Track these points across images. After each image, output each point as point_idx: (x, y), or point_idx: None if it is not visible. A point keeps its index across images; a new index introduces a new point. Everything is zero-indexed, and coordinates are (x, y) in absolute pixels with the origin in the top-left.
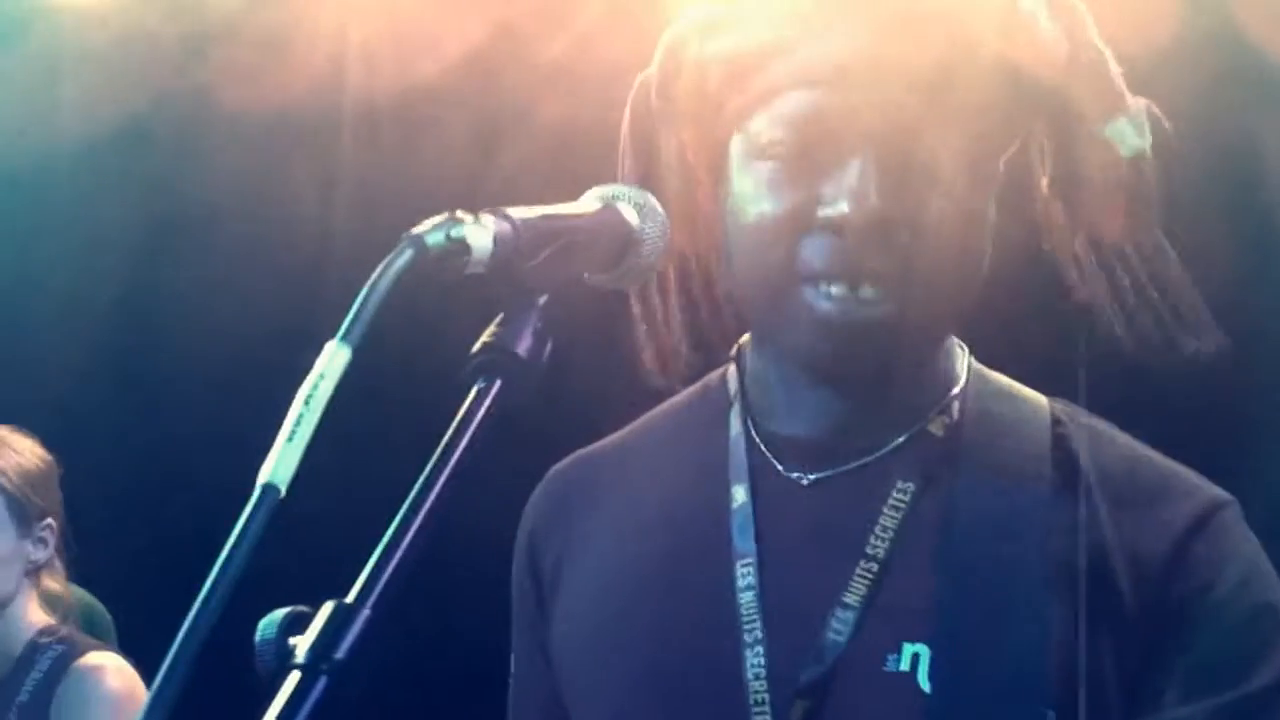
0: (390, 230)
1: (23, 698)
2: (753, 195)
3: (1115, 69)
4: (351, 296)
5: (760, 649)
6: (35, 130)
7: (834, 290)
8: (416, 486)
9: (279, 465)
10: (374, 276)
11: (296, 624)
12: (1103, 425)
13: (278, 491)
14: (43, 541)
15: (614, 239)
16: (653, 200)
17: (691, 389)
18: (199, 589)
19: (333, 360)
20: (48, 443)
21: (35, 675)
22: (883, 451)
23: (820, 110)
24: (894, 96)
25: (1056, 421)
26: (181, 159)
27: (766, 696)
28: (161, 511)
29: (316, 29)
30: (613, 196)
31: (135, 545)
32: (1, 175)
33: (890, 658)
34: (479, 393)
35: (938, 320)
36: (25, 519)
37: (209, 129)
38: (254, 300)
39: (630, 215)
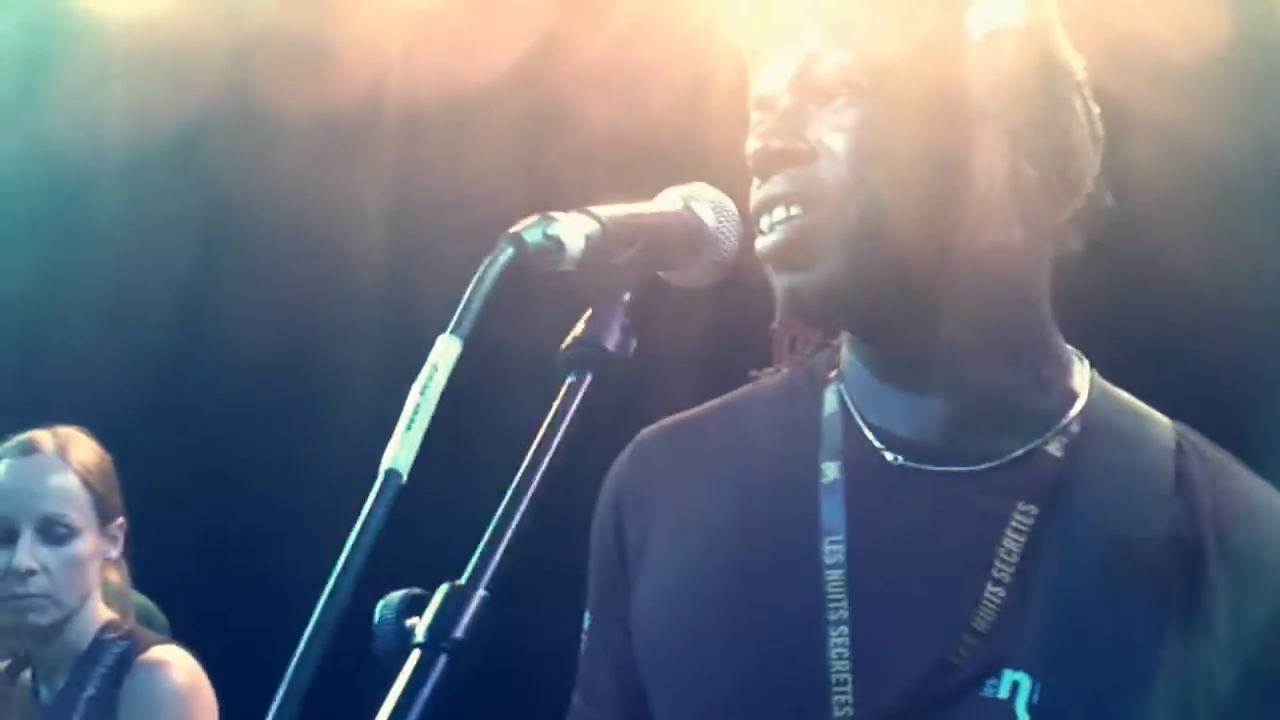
0: (436, 232)
1: (89, 692)
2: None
3: None
4: (401, 296)
5: (845, 629)
6: (82, 137)
7: (760, 226)
8: (519, 474)
9: (400, 452)
10: (478, 272)
11: (413, 606)
12: (1222, 454)
13: (400, 477)
14: (114, 540)
15: (691, 238)
16: (727, 201)
17: (791, 370)
18: (248, 590)
19: (445, 352)
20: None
21: (100, 670)
22: (996, 463)
23: (767, 73)
24: (801, 31)
25: (1180, 451)
26: (229, 163)
27: (849, 678)
28: (210, 511)
29: (360, 34)
30: (689, 196)
31: (183, 546)
32: (50, 182)
33: (989, 683)
34: (571, 386)
35: (870, 239)
36: (105, 516)
37: (256, 134)
38: (301, 301)
39: (706, 215)
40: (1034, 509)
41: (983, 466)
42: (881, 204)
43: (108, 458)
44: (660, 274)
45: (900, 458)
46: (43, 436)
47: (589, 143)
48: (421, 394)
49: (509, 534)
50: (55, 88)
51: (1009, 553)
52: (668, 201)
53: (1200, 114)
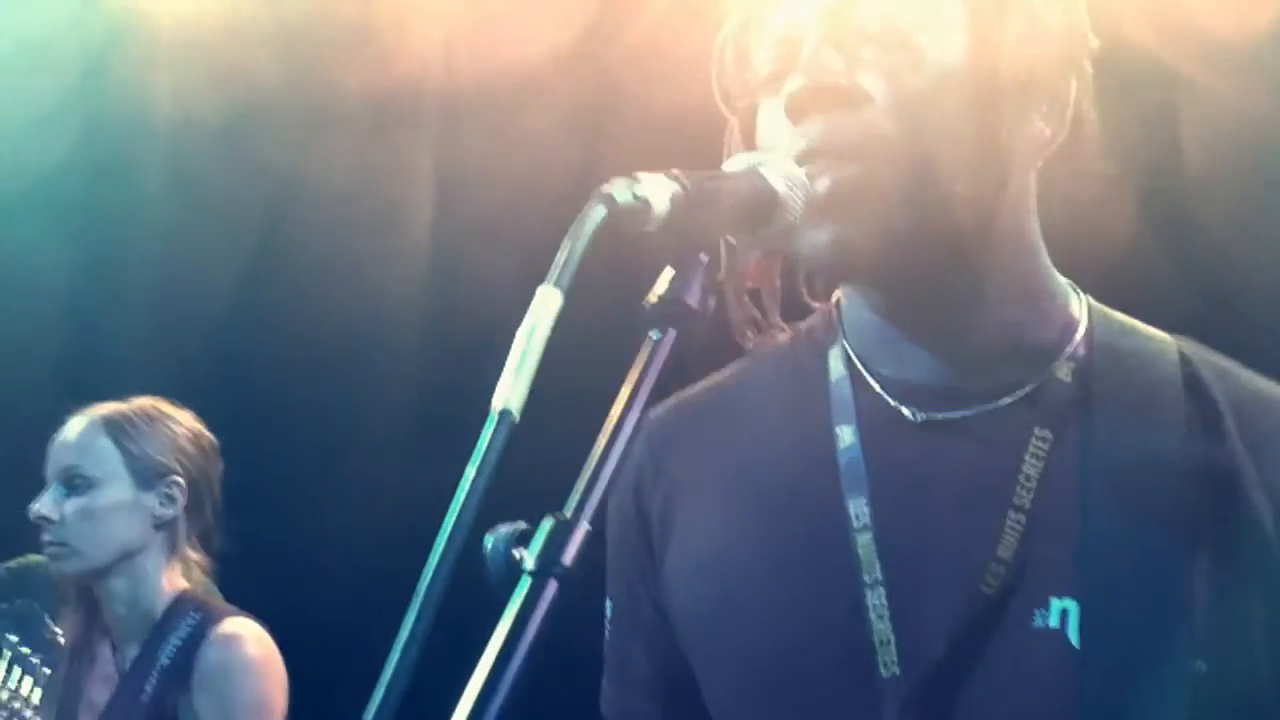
0: (484, 213)
1: (164, 661)
2: (769, 128)
3: None
4: (453, 280)
5: (882, 590)
6: (131, 125)
7: (800, 167)
8: (612, 422)
9: (512, 393)
10: (572, 229)
11: (520, 539)
12: (1229, 362)
13: (512, 417)
14: (169, 498)
15: (763, 203)
16: (796, 168)
17: (795, 330)
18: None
19: (546, 301)
20: None
21: (175, 641)
22: (1010, 399)
23: (786, 16)
24: None
25: (1185, 360)
26: (278, 148)
27: (891, 637)
28: (260, 497)
29: (406, 18)
30: (759, 162)
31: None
32: (100, 169)
33: (1038, 613)
34: (656, 342)
35: (922, 192)
36: (145, 473)
37: (304, 119)
38: (350, 284)
39: (777, 181)
40: (1049, 434)
41: (1000, 403)
42: (934, 156)
43: (184, 425)
44: (730, 239)
45: (917, 411)
46: (109, 404)
47: (636, 125)
48: (528, 339)
49: (607, 473)
50: (104, 75)
51: (1028, 478)
52: (738, 166)
53: (1252, 90)
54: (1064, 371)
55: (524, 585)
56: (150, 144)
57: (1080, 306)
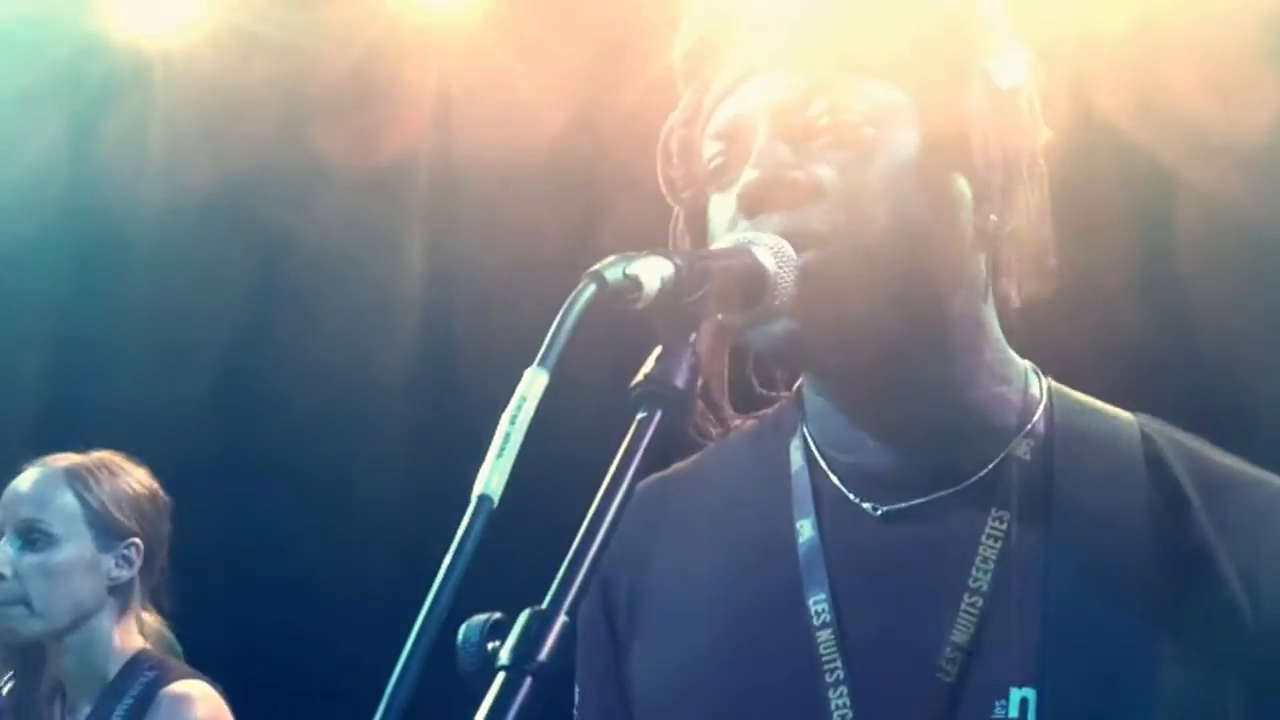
0: (477, 276)
1: None
2: (719, 221)
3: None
4: (459, 342)
5: (844, 689)
6: (125, 178)
7: (788, 244)
8: (595, 504)
9: (491, 477)
10: (563, 308)
11: (495, 630)
12: (1192, 439)
13: (491, 502)
14: (126, 560)
15: (753, 283)
16: (786, 245)
17: (760, 419)
18: (276, 619)
19: (533, 383)
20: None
21: (127, 700)
22: (968, 482)
23: (734, 109)
24: (790, 65)
25: (1146, 438)
26: (274, 205)
27: None
28: (252, 555)
29: (403, 81)
30: (749, 241)
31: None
32: (94, 222)
33: (998, 704)
34: (641, 421)
35: (867, 274)
36: (106, 533)
37: (299, 178)
38: (343, 341)
39: (767, 259)
40: (1006, 514)
41: (957, 488)
42: (889, 246)
43: (145, 485)
44: (720, 317)
45: (875, 505)
46: (65, 455)
47: (631, 195)
48: (511, 423)
49: (588, 561)
50: (99, 124)
51: (985, 560)
52: (729, 244)
53: (1246, 189)
54: (1023, 449)
55: (498, 680)
56: (139, 208)
57: (1040, 386)
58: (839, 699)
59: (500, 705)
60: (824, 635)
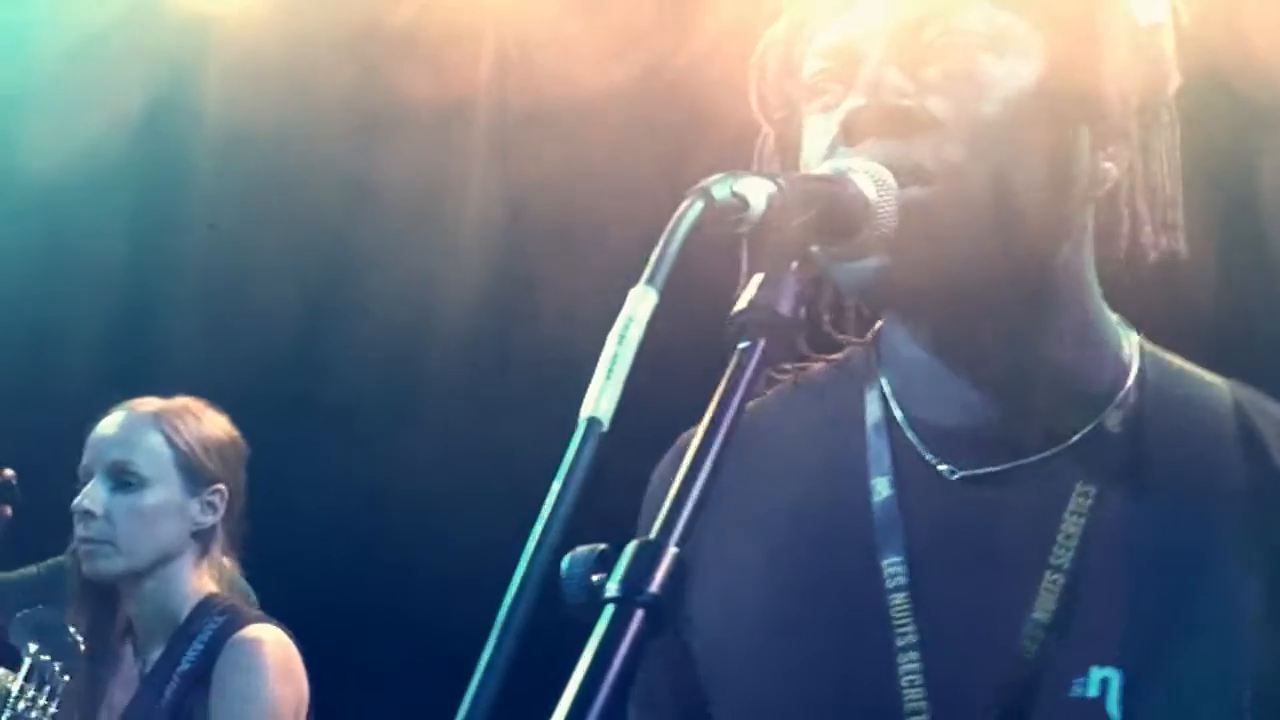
0: (551, 219)
1: (184, 666)
2: (816, 146)
3: None
4: (518, 287)
5: (914, 654)
6: (186, 125)
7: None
8: (700, 435)
9: (600, 400)
10: (669, 225)
11: (601, 561)
12: None
13: (601, 425)
14: (210, 506)
15: (855, 210)
16: (887, 174)
17: (830, 364)
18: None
19: (641, 302)
20: None
21: (198, 645)
22: (1053, 451)
23: (844, 28)
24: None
25: (1239, 408)
26: (333, 155)
27: (924, 705)
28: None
29: (480, 30)
30: (846, 168)
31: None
32: (148, 174)
33: (1077, 682)
34: (744, 351)
35: (976, 217)
36: (193, 477)
37: (362, 124)
38: (416, 293)
39: (867, 187)
40: (1092, 489)
41: (1041, 455)
42: (1003, 186)
43: (227, 431)
44: (815, 249)
45: (954, 469)
46: (150, 399)
47: (700, 133)
48: (619, 343)
49: (696, 492)
50: (152, 82)
51: (1067, 537)
52: (827, 170)
53: None
54: (1113, 421)
55: (606, 614)
56: (206, 146)
57: (1132, 347)
58: (909, 663)
59: (610, 639)
60: (898, 599)
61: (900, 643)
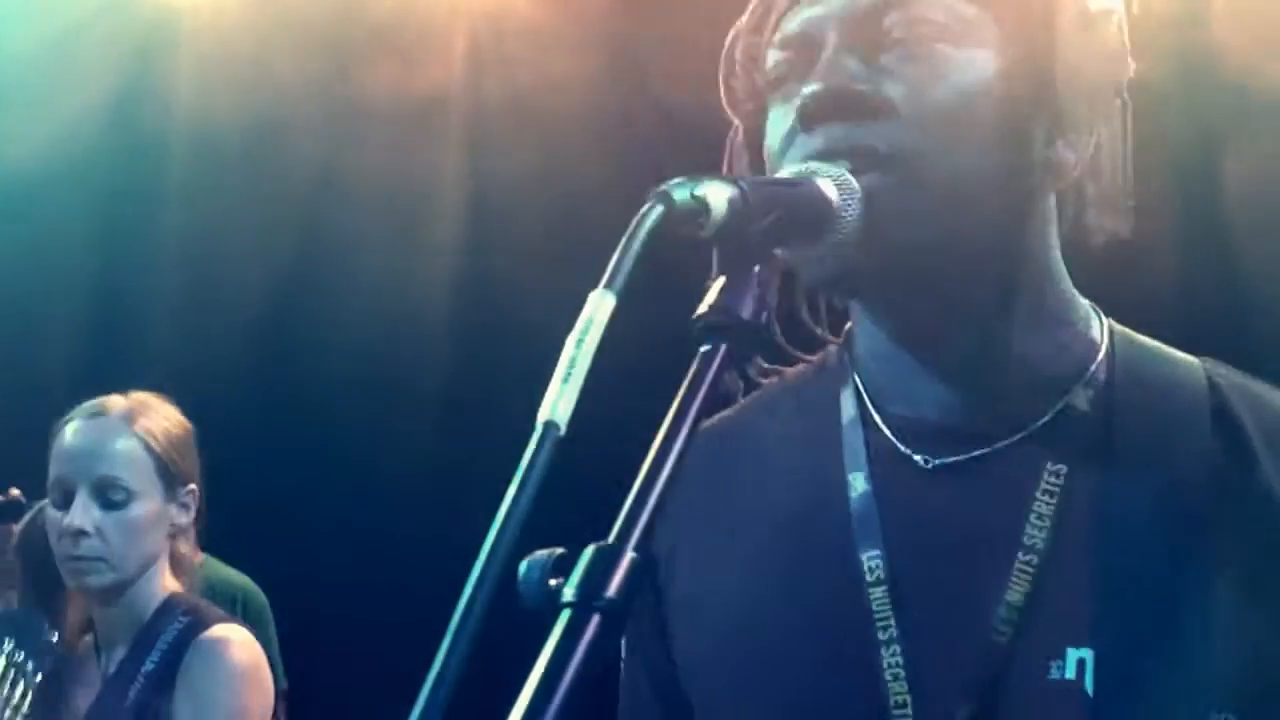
0: (517, 219)
1: (149, 666)
2: (779, 135)
3: None
4: (483, 284)
5: (897, 648)
6: (158, 120)
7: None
8: (660, 438)
9: (557, 403)
10: (629, 229)
11: (558, 566)
12: (1261, 385)
13: (558, 429)
14: (185, 507)
15: (817, 214)
16: (850, 177)
17: (808, 365)
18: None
19: (599, 306)
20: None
21: (162, 645)
22: (1023, 434)
23: (804, 17)
24: None
25: (1212, 385)
26: (305, 150)
27: (908, 699)
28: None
29: (450, 22)
30: (810, 171)
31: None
32: (126, 166)
33: (1055, 664)
34: (705, 354)
35: (930, 203)
36: (171, 482)
37: (339, 122)
38: (384, 291)
39: (829, 189)
40: (1063, 468)
41: (1012, 439)
42: (960, 171)
43: (184, 425)
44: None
45: (929, 458)
46: (113, 400)
47: (665, 129)
48: (577, 346)
49: (654, 497)
50: (134, 68)
51: (1040, 517)
52: (791, 174)
53: None
54: (1081, 400)
55: (563, 618)
56: (177, 143)
57: (1102, 329)
58: (891, 656)
59: (566, 644)
60: (877, 592)
61: (882, 636)
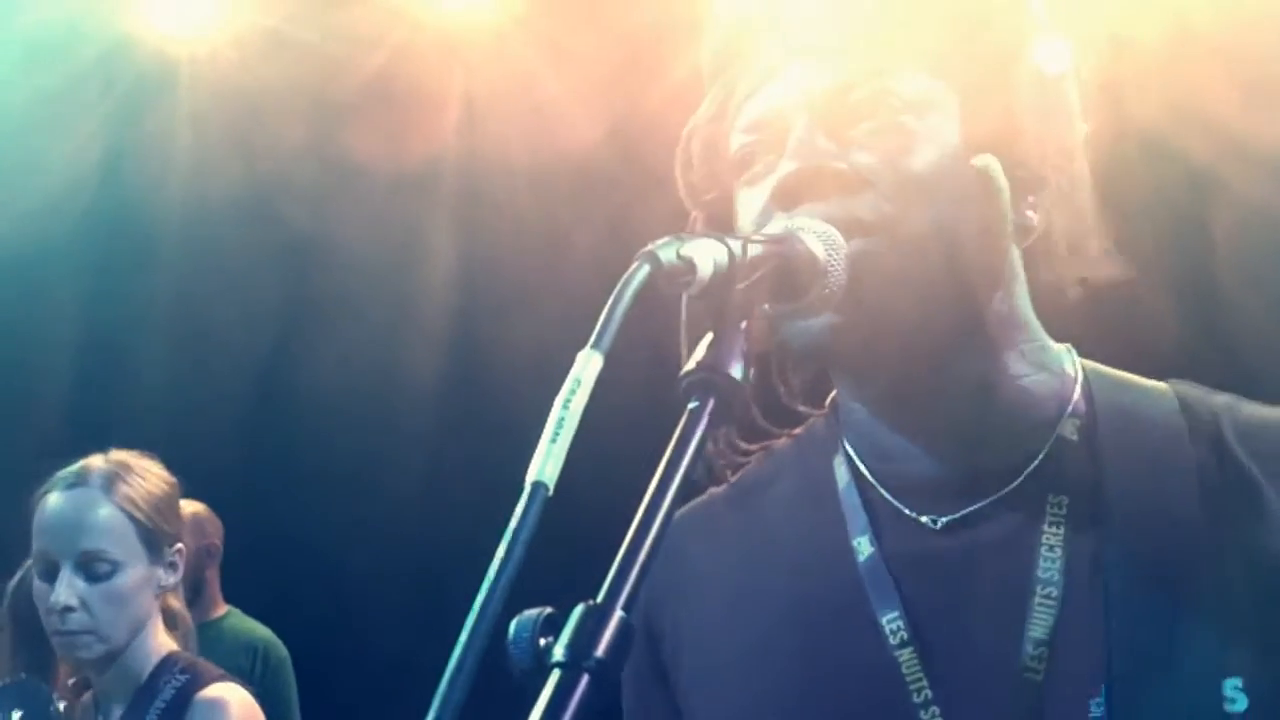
0: (520, 284)
1: None
2: (748, 217)
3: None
4: (485, 343)
5: (936, 709)
6: (149, 186)
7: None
8: (648, 496)
9: (546, 464)
10: (616, 289)
11: (548, 625)
12: (1227, 396)
13: (546, 489)
14: (173, 566)
15: (804, 270)
16: (834, 232)
17: (793, 438)
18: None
19: (587, 366)
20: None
21: (159, 703)
22: (1022, 476)
23: (768, 100)
24: (827, 56)
25: (1184, 405)
26: (306, 210)
27: None
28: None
29: (441, 87)
30: (796, 227)
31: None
32: (123, 222)
33: (1094, 702)
34: (693, 411)
35: (914, 261)
36: (156, 546)
37: (326, 180)
38: (374, 350)
39: (816, 247)
40: (1064, 498)
41: (1013, 484)
42: (938, 238)
43: (167, 483)
44: (765, 307)
45: (934, 517)
46: (93, 464)
47: (657, 195)
48: (564, 407)
49: (642, 556)
50: (127, 126)
51: (1050, 549)
52: (776, 231)
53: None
54: (1069, 430)
55: (553, 678)
56: (167, 210)
57: (1074, 365)
58: (931, 718)
59: (556, 704)
60: (905, 654)
61: (917, 699)
